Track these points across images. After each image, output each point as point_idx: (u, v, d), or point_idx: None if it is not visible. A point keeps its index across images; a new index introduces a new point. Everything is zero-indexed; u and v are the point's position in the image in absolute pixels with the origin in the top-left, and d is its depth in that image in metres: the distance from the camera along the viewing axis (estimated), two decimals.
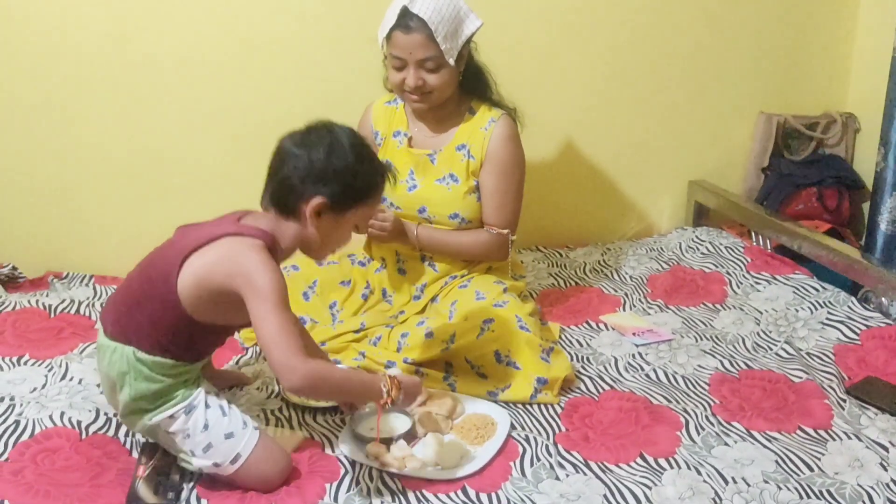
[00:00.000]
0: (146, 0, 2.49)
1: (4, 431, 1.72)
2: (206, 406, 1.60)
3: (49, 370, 2.01)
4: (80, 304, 2.35)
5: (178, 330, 1.57)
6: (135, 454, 1.70)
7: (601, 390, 1.97)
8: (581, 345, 2.21)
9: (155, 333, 1.57)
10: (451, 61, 2.00)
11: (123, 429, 1.77)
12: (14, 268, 2.55)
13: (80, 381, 1.93)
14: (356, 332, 2.16)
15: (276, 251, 1.59)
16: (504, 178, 2.13)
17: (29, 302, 2.34)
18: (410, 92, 2.04)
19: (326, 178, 1.57)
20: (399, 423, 1.77)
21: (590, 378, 2.02)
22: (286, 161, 1.60)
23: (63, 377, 1.97)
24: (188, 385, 1.62)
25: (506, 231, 2.15)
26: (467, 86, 2.15)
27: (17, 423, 1.75)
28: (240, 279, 1.50)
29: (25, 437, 1.71)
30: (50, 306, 2.32)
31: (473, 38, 2.09)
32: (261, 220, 1.63)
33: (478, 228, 2.17)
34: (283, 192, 1.60)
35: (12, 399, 1.85)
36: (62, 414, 1.77)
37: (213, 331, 1.64)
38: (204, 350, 1.68)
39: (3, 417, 1.76)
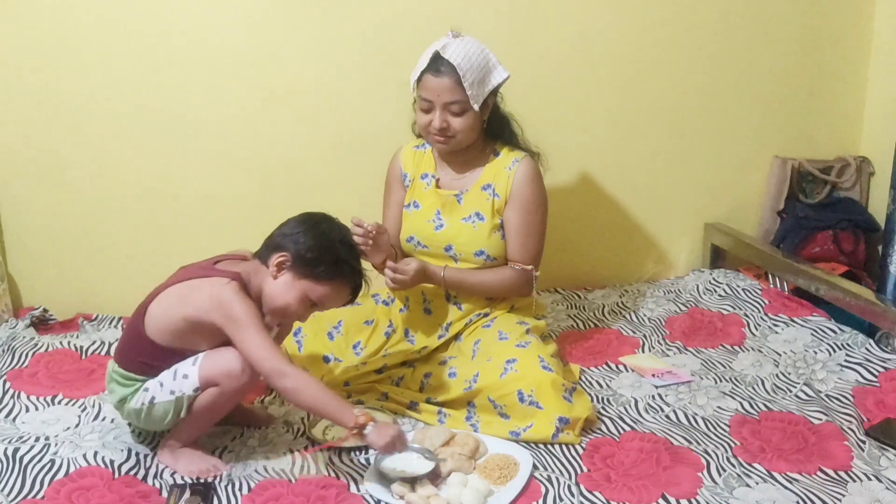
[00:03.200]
0: (175, 51, 2.59)
1: (40, 470, 1.77)
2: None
3: (82, 410, 2.06)
4: (109, 345, 2.40)
5: (143, 351, 1.81)
6: (164, 494, 1.74)
7: (622, 431, 1.99)
8: (601, 386, 2.23)
9: (128, 353, 1.84)
10: (476, 107, 2.09)
11: (154, 469, 1.81)
12: (45, 310, 2.63)
13: (112, 421, 1.98)
14: (378, 371, 2.20)
15: (245, 288, 1.81)
16: (527, 216, 2.19)
17: (61, 343, 2.40)
18: (435, 134, 2.12)
19: (300, 243, 1.81)
20: (423, 462, 1.80)
21: (610, 419, 2.05)
22: (282, 225, 1.87)
23: (96, 417, 2.02)
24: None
25: (530, 267, 2.20)
26: (492, 131, 2.23)
27: (53, 462, 1.80)
28: (217, 313, 1.74)
29: (60, 475, 1.76)
30: (81, 347, 2.38)
31: (500, 90, 2.18)
32: (238, 264, 1.86)
33: (502, 266, 2.23)
34: (267, 244, 1.86)
35: (47, 439, 1.90)
36: (95, 453, 1.82)
37: (173, 353, 1.81)
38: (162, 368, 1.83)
39: (39, 456, 1.82)
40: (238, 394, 1.82)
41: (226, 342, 1.78)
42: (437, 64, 2.07)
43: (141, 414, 1.82)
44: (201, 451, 1.84)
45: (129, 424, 1.94)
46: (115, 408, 1.89)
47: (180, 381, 1.78)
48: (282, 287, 1.81)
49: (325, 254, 1.80)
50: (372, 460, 1.83)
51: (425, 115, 2.13)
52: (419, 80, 2.11)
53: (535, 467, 1.82)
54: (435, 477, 1.77)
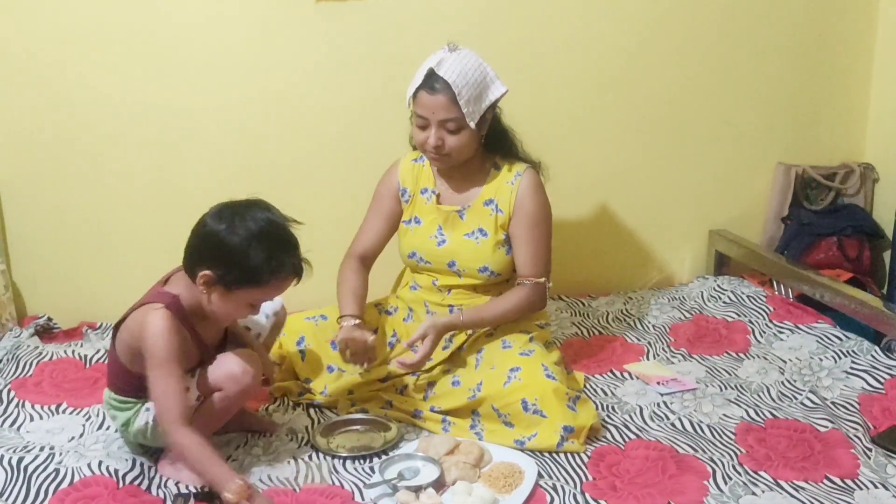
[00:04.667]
0: (177, 56, 2.60)
1: (45, 479, 1.77)
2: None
3: (87, 419, 2.06)
4: None
5: (124, 376, 1.79)
6: (168, 503, 1.74)
7: (627, 439, 1.98)
8: (606, 394, 2.23)
9: (114, 378, 1.83)
10: (472, 124, 2.06)
11: (158, 478, 1.81)
12: (49, 319, 2.63)
13: (116, 430, 1.97)
14: (382, 380, 2.19)
15: (181, 312, 1.73)
16: (534, 229, 2.18)
17: (65, 352, 2.40)
18: (431, 151, 2.11)
19: (217, 254, 1.68)
20: (428, 471, 1.80)
21: (615, 427, 2.04)
22: (197, 229, 1.73)
23: (100, 426, 2.02)
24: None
25: (542, 280, 2.19)
26: (491, 145, 2.20)
27: (57, 471, 1.80)
28: (142, 344, 1.69)
29: (65, 484, 1.76)
30: (85, 356, 2.39)
31: (499, 104, 2.15)
32: (179, 281, 1.78)
33: (513, 289, 2.19)
34: (186, 258, 1.75)
35: (52, 448, 1.90)
36: (100, 463, 1.82)
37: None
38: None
39: (44, 465, 1.81)
40: (242, 396, 1.81)
41: (199, 364, 1.79)
42: (432, 81, 2.03)
43: (147, 432, 1.80)
44: None
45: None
46: (120, 433, 1.87)
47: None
48: (218, 304, 1.72)
49: (249, 257, 1.65)
50: (376, 468, 1.83)
51: (421, 131, 2.10)
52: (414, 96, 2.08)
53: (539, 476, 1.82)
54: (439, 485, 1.77)
